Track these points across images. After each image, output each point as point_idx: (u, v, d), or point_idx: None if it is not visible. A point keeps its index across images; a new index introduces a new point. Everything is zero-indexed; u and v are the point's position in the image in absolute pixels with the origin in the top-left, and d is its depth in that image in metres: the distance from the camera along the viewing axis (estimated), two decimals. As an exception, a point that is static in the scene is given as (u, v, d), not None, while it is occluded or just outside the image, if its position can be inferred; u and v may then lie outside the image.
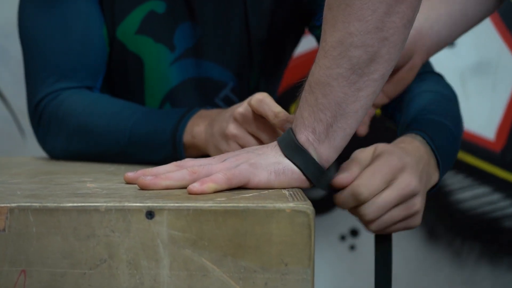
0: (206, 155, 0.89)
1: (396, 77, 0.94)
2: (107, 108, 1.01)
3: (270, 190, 0.67)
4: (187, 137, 0.92)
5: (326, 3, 0.68)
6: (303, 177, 0.69)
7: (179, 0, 1.09)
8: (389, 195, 0.75)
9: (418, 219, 0.80)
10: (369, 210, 0.76)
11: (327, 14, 0.68)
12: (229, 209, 0.59)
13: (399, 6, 0.65)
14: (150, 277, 0.59)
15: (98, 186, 0.70)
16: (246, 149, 0.73)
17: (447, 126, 0.91)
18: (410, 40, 0.87)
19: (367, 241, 1.69)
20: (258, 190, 0.67)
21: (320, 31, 1.11)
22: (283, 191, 0.66)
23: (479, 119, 1.74)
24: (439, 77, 1.06)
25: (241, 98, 1.12)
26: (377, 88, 0.69)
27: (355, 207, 0.76)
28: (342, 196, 0.76)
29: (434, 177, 0.85)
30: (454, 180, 1.76)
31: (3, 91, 1.59)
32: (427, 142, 0.84)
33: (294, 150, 0.69)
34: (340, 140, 0.69)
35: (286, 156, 0.69)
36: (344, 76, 0.67)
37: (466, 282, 1.70)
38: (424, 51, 0.94)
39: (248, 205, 0.59)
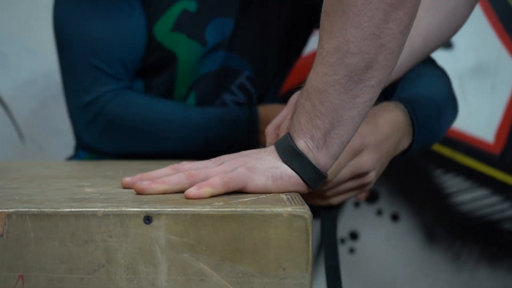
0: None
1: None
2: (174, 112, 1.13)
3: (267, 195, 0.67)
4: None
5: (323, 10, 0.68)
6: (301, 182, 0.69)
7: None
8: (344, 173, 0.82)
9: (369, 187, 0.87)
10: (326, 188, 0.83)
11: (324, 20, 0.68)
12: (227, 214, 0.59)
13: (396, 12, 0.65)
14: (148, 282, 0.59)
15: (96, 191, 0.70)
16: (243, 152, 0.73)
17: (433, 100, 0.97)
18: None
19: (367, 244, 1.69)
20: (256, 195, 0.67)
21: None
22: (281, 196, 0.66)
23: (478, 122, 1.75)
24: (432, 60, 1.12)
25: (258, 88, 1.22)
26: (374, 94, 0.69)
27: None
28: None
29: (403, 144, 0.91)
30: (453, 183, 1.76)
31: (2, 96, 1.60)
32: (408, 111, 0.91)
33: (292, 155, 0.69)
34: (337, 147, 0.69)
35: (284, 161, 0.69)
36: (340, 83, 0.67)
37: (466, 284, 1.70)
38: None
39: (246, 209, 0.59)
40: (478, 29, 1.74)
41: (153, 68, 1.19)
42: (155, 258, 0.59)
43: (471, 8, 0.93)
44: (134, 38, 1.15)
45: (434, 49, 0.95)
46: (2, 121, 1.70)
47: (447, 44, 1.76)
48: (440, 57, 1.78)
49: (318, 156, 0.69)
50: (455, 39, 1.76)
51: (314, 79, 0.69)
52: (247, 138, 1.10)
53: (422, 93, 0.97)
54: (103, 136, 1.13)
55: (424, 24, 0.91)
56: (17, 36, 1.56)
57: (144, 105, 1.13)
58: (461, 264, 1.71)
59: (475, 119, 1.75)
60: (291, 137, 0.70)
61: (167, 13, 1.16)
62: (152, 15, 1.16)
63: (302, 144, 0.69)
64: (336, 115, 0.68)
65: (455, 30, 0.95)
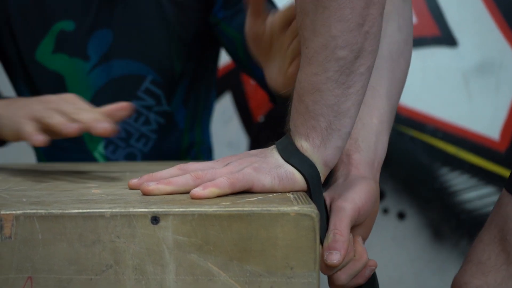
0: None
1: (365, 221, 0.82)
2: None
3: (274, 194, 0.67)
4: None
5: (300, 10, 0.67)
6: (303, 180, 0.69)
7: (88, 13, 1.21)
8: None
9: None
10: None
11: (305, 20, 0.67)
12: (234, 213, 0.59)
13: None
14: (156, 283, 0.59)
15: (103, 192, 0.70)
16: (248, 152, 0.73)
17: None
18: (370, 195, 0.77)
19: (373, 243, 1.69)
20: (263, 194, 0.67)
21: (222, 24, 1.22)
22: (287, 195, 0.66)
23: (483, 119, 1.74)
24: None
25: (165, 88, 1.24)
26: (365, 81, 0.68)
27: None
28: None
29: None
30: (459, 181, 1.76)
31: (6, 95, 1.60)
32: None
33: (292, 154, 0.69)
34: (336, 140, 0.69)
35: (286, 160, 0.69)
36: (333, 79, 0.67)
37: (473, 283, 1.70)
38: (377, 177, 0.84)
39: (253, 209, 0.59)
40: (482, 27, 1.74)
41: (44, 91, 1.22)
42: (163, 259, 0.59)
43: (411, 48, 0.89)
44: None
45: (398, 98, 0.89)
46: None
47: (451, 42, 1.76)
48: (444, 55, 1.79)
49: (318, 153, 0.69)
50: (460, 37, 1.75)
51: (304, 80, 0.68)
52: None
53: None
54: None
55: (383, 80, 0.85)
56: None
57: None
58: (467, 262, 1.71)
59: (480, 117, 1.75)
60: (290, 137, 0.70)
61: (46, 37, 1.21)
62: (30, 43, 1.22)
63: (298, 144, 0.70)
64: (331, 110, 0.68)
65: (405, 74, 0.89)
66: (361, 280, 0.75)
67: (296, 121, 0.70)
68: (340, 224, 0.70)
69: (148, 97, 1.25)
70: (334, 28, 0.65)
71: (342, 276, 0.72)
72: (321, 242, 0.70)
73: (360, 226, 0.79)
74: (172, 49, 1.25)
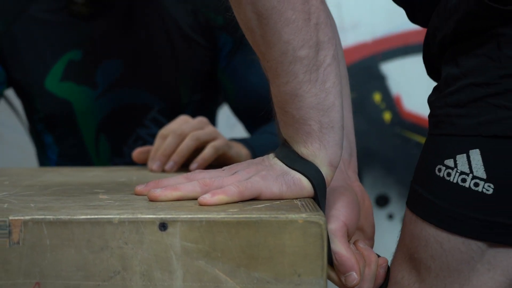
0: None
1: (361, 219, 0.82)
2: None
3: (281, 201, 0.67)
4: None
5: (246, 29, 0.67)
6: (310, 185, 0.69)
7: (96, 44, 1.26)
8: None
9: None
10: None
11: (254, 37, 0.67)
12: (242, 220, 0.59)
13: None
14: (164, 289, 0.59)
15: (110, 198, 0.70)
16: (252, 160, 0.73)
17: None
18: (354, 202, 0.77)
19: (378, 249, 1.69)
20: (270, 201, 0.67)
21: (225, 76, 1.30)
22: (295, 202, 0.66)
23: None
24: None
25: (171, 118, 1.27)
26: (336, 71, 0.68)
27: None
28: None
29: None
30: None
31: (14, 104, 1.61)
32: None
33: (296, 161, 0.69)
34: (333, 138, 0.69)
35: (290, 167, 0.69)
36: (305, 81, 0.67)
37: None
38: (356, 172, 0.86)
39: (261, 216, 0.59)
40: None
41: (55, 118, 1.29)
42: (171, 265, 0.59)
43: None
44: None
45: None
46: (15, 128, 1.70)
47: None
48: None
49: (320, 156, 0.69)
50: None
51: (279, 92, 0.68)
52: None
53: None
54: None
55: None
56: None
57: None
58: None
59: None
60: (289, 145, 0.70)
61: (54, 67, 1.27)
62: (40, 72, 1.27)
63: (299, 151, 0.70)
64: (317, 110, 0.67)
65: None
66: (380, 280, 0.75)
67: (288, 131, 0.70)
68: (335, 246, 0.70)
69: (154, 126, 1.30)
70: (285, 34, 0.65)
71: (365, 285, 0.72)
72: (329, 260, 0.70)
73: (360, 230, 0.80)
74: (180, 81, 1.29)
